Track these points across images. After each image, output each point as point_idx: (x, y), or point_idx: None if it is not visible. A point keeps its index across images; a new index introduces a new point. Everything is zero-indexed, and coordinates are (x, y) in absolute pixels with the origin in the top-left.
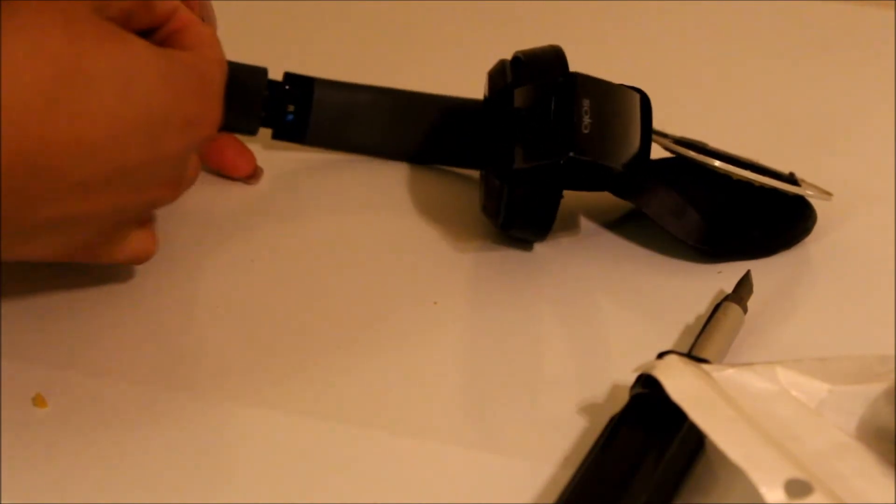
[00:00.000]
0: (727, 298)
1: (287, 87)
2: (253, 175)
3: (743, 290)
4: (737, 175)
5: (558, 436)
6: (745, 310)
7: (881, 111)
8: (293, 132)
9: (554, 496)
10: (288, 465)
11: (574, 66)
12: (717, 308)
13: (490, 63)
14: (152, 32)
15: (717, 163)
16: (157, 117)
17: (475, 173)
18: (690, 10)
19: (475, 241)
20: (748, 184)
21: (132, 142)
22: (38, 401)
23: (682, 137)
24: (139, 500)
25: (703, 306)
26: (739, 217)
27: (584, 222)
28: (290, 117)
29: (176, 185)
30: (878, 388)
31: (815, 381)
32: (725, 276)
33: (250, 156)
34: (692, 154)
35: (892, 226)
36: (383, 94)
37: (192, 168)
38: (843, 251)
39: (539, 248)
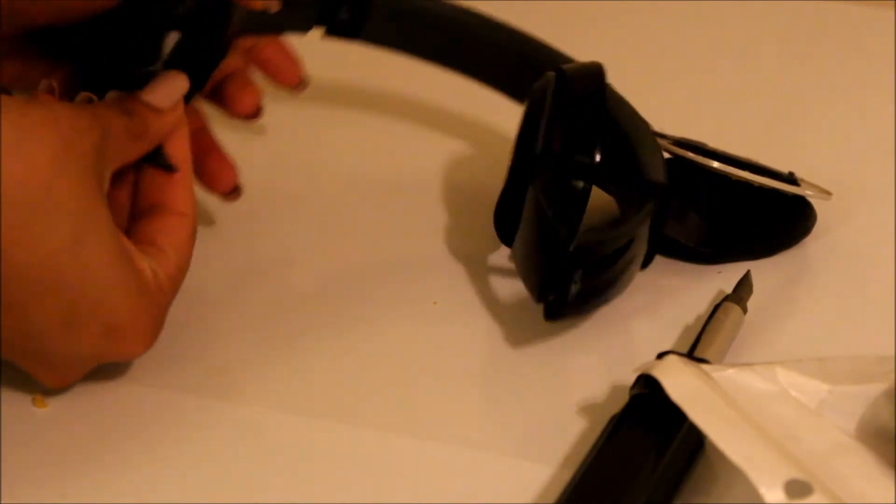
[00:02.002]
0: (727, 299)
1: None
2: (233, 192)
3: (743, 290)
4: (735, 176)
5: (558, 436)
6: (744, 310)
7: (881, 111)
8: (348, 30)
9: (554, 496)
10: (287, 464)
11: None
12: (716, 308)
13: None
14: (137, 199)
15: (715, 164)
16: (86, 299)
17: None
18: (690, 9)
19: (475, 241)
20: (748, 184)
21: (51, 302)
22: (38, 401)
23: (681, 138)
24: (139, 500)
25: (702, 306)
26: (739, 218)
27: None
28: (345, 16)
29: (57, 377)
30: (878, 388)
31: (815, 382)
32: (725, 276)
33: (233, 169)
34: (691, 155)
35: (892, 226)
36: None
37: (82, 372)
38: (842, 251)
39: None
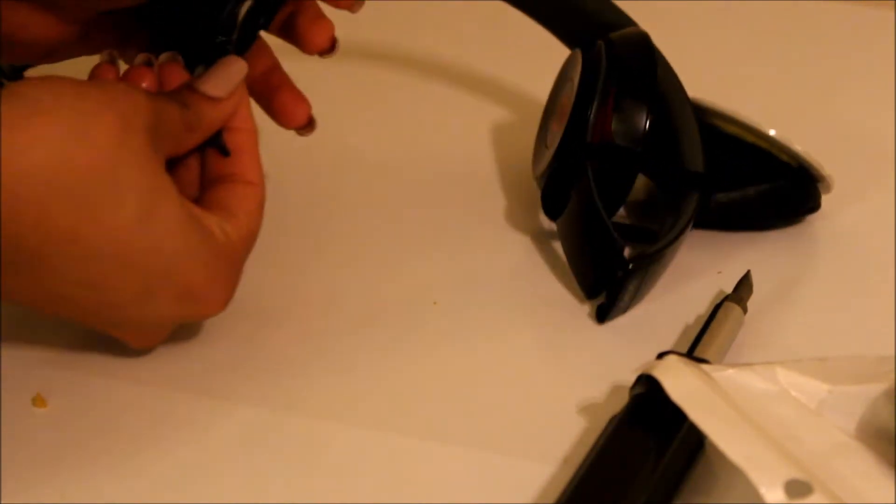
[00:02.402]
0: (727, 298)
1: None
2: (307, 125)
3: (743, 290)
4: (756, 135)
5: (558, 436)
6: (744, 310)
7: (881, 111)
8: None
9: (554, 496)
10: (287, 465)
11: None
12: (717, 308)
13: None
14: (206, 171)
15: (746, 121)
16: (159, 268)
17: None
18: (690, 9)
19: (475, 241)
20: (751, 150)
21: (127, 274)
22: (38, 401)
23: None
24: (139, 499)
25: (702, 306)
26: (744, 184)
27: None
28: None
29: (143, 340)
30: (878, 388)
31: (815, 382)
32: (725, 276)
33: (305, 103)
34: (708, 103)
35: (892, 226)
36: None
37: (167, 333)
38: (842, 252)
39: (538, 247)
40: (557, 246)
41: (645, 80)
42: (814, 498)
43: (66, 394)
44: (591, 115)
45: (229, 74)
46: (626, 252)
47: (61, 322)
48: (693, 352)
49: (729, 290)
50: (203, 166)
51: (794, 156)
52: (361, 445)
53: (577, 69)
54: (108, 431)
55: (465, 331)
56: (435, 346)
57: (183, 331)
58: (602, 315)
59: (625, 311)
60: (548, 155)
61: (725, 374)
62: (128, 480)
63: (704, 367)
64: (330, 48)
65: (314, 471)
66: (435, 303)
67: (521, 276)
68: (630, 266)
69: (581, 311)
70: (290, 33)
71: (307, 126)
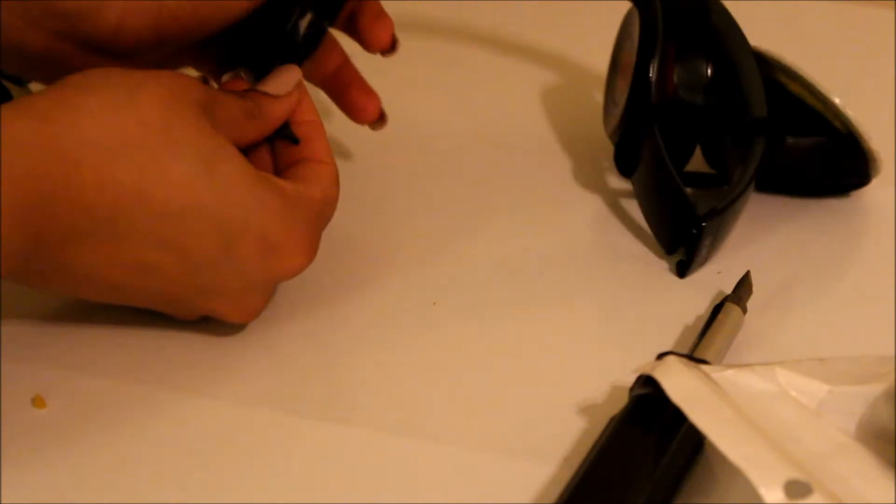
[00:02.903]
0: (727, 299)
1: None
2: (379, 120)
3: (742, 290)
4: (804, 83)
5: (558, 436)
6: (744, 310)
7: (881, 111)
8: None
9: (554, 496)
10: (286, 465)
11: (575, 62)
12: (716, 309)
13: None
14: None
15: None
16: (233, 219)
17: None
18: None
19: (475, 241)
20: (804, 108)
21: (202, 229)
22: (38, 401)
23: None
24: (139, 500)
25: (702, 307)
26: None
27: (584, 222)
28: None
29: (240, 310)
30: (878, 388)
31: (815, 382)
32: (725, 276)
33: (375, 98)
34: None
35: (891, 226)
36: None
37: (262, 300)
38: (841, 252)
39: (538, 247)
40: (556, 248)
41: (702, 33)
42: (813, 498)
43: (66, 394)
44: (653, 74)
45: (286, 78)
46: (700, 206)
47: (61, 322)
48: (693, 352)
49: (729, 290)
50: (275, 157)
51: (846, 123)
52: (360, 445)
53: (636, 27)
54: (108, 432)
55: (464, 331)
56: (434, 346)
57: (184, 332)
58: (682, 270)
59: (703, 263)
60: (616, 112)
61: (725, 375)
62: (128, 481)
63: (704, 367)
64: (391, 47)
65: (313, 471)
66: (434, 303)
67: (519, 276)
68: (703, 223)
69: (580, 311)
70: (352, 31)
71: (378, 121)
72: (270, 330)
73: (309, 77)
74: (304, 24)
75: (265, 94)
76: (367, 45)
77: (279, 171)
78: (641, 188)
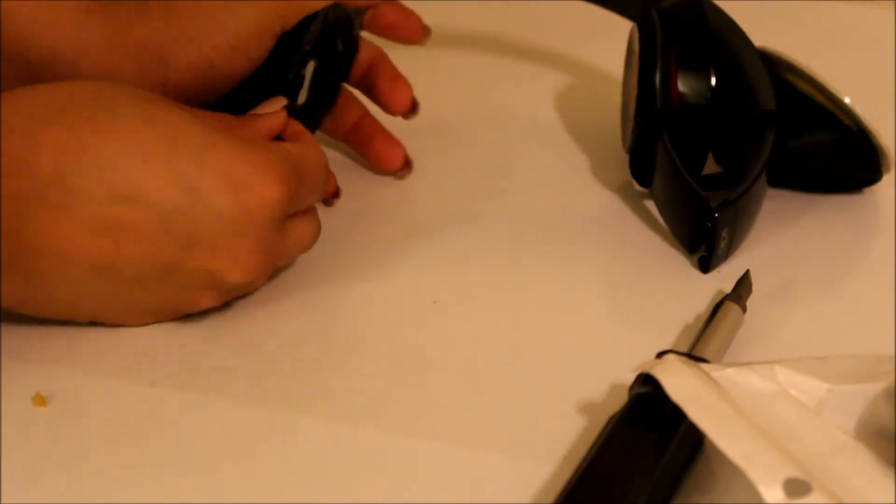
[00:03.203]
0: (726, 298)
1: None
2: (404, 167)
3: (742, 289)
4: (813, 83)
5: (557, 435)
6: (744, 309)
7: (881, 111)
8: None
9: (553, 496)
10: (286, 464)
11: (577, 63)
12: (716, 307)
13: None
14: None
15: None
16: (187, 159)
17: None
18: None
19: (476, 240)
20: (813, 107)
21: (156, 173)
22: (38, 400)
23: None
24: (139, 499)
25: (702, 306)
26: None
27: (583, 222)
28: None
29: (237, 263)
30: (877, 387)
31: (814, 381)
32: (725, 275)
33: (399, 147)
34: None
35: (891, 226)
36: None
37: (257, 249)
38: (840, 252)
39: (537, 248)
40: (556, 249)
41: (701, 37)
42: (813, 497)
43: (66, 394)
44: (657, 82)
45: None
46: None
47: (61, 322)
48: (692, 351)
49: (728, 289)
50: None
51: (856, 120)
52: (360, 445)
53: (637, 42)
54: (108, 432)
55: (464, 330)
56: (434, 346)
57: (184, 332)
58: (704, 266)
59: (725, 258)
60: (629, 128)
61: (724, 374)
62: (127, 481)
63: (704, 366)
64: (412, 109)
65: (312, 471)
66: (434, 302)
67: (518, 276)
68: (715, 214)
69: (579, 311)
70: (370, 94)
71: (404, 168)
72: (270, 329)
73: (331, 133)
74: (309, 71)
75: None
76: (387, 109)
77: None
78: (659, 195)
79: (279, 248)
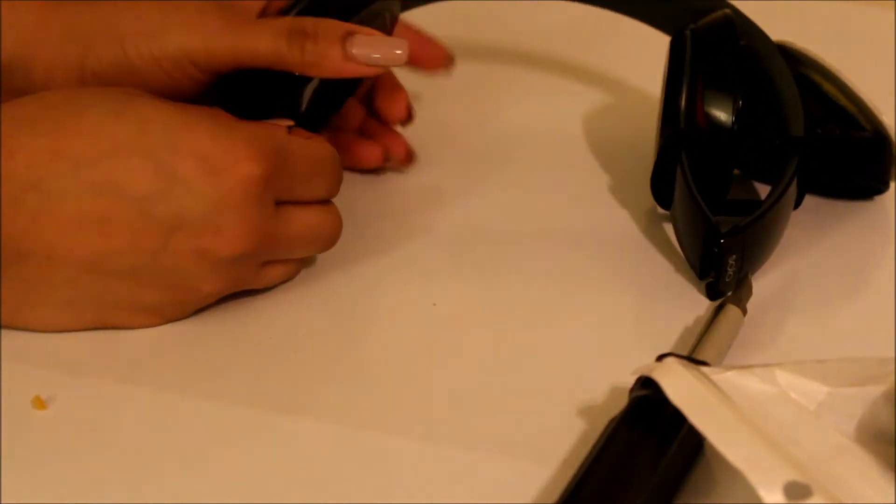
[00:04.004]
0: (727, 300)
1: None
2: (407, 158)
3: (742, 292)
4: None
5: (557, 438)
6: (744, 312)
7: (881, 112)
8: None
9: (553, 498)
10: (285, 465)
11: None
12: (716, 310)
13: None
14: None
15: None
16: (159, 146)
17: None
18: None
19: (476, 241)
20: (834, 107)
21: (129, 164)
22: (38, 403)
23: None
24: (139, 500)
25: (702, 308)
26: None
27: (583, 223)
28: None
29: (225, 237)
30: (877, 390)
31: (814, 384)
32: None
33: (400, 139)
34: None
35: (891, 226)
36: None
37: (242, 221)
38: (841, 255)
39: (537, 250)
40: (555, 249)
41: (730, 61)
42: (813, 500)
43: (66, 396)
44: (682, 103)
45: (389, 44)
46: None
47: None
48: (692, 354)
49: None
50: None
51: (875, 124)
52: (360, 447)
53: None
54: (108, 432)
55: (464, 332)
56: (433, 348)
57: (184, 332)
58: (712, 293)
59: (735, 285)
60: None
61: (725, 377)
62: (127, 483)
63: (704, 369)
64: (407, 117)
65: (311, 472)
66: (434, 304)
67: (518, 277)
68: (721, 240)
69: (580, 313)
70: (370, 108)
71: (407, 159)
72: (270, 330)
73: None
74: (308, 91)
75: (355, 30)
76: (383, 118)
77: None
78: (676, 217)
79: (271, 225)
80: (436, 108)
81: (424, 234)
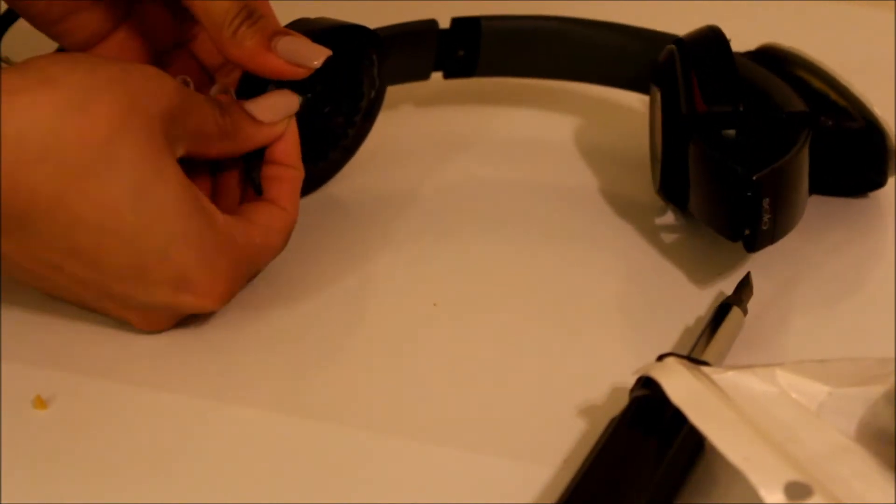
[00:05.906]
0: (727, 300)
1: (456, 33)
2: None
3: (743, 291)
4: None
5: (558, 437)
6: (745, 311)
7: (881, 112)
8: (464, 70)
9: (553, 498)
10: (284, 465)
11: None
12: (717, 310)
13: None
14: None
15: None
16: (154, 247)
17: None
18: (691, 9)
19: (477, 241)
20: (827, 104)
21: (118, 248)
22: (38, 403)
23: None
24: (139, 500)
25: (703, 308)
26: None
27: (583, 224)
28: (460, 56)
29: (148, 323)
30: (878, 390)
31: (815, 384)
32: (726, 277)
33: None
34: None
35: (891, 225)
36: (550, 22)
37: (170, 320)
38: (842, 254)
39: (537, 249)
40: (554, 250)
41: (719, 51)
42: (813, 500)
43: (67, 396)
44: (681, 92)
45: (278, 105)
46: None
47: (61, 323)
48: (693, 354)
49: (729, 291)
50: (245, 186)
51: (870, 119)
52: (360, 447)
53: (657, 95)
54: (108, 433)
55: (465, 332)
56: (434, 347)
57: (185, 332)
58: (750, 243)
59: (772, 238)
60: (657, 168)
61: (725, 376)
62: (128, 483)
63: (704, 368)
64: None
65: (312, 472)
66: (435, 304)
67: (518, 277)
68: (754, 178)
69: (580, 313)
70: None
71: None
72: (270, 331)
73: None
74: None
75: (248, 115)
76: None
77: (244, 200)
78: (695, 199)
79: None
80: (429, 115)
81: (424, 234)
